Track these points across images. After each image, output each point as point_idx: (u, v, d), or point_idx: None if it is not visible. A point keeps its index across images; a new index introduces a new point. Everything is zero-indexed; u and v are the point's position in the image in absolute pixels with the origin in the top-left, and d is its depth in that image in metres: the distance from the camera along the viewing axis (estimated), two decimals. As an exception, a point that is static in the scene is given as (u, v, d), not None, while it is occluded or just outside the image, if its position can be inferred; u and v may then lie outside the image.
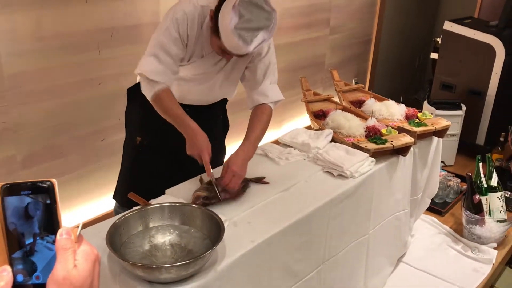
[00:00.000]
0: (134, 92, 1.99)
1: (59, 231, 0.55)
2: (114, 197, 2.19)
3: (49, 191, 0.56)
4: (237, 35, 1.56)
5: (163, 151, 2.03)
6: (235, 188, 1.63)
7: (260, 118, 1.85)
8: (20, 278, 0.55)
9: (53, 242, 0.56)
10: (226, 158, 2.29)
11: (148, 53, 1.74)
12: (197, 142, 1.64)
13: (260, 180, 1.78)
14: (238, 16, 1.55)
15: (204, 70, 1.87)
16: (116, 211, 2.22)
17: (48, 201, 0.56)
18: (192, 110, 1.95)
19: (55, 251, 0.55)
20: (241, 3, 1.55)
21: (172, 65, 1.74)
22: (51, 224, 0.56)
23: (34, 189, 0.56)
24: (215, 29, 1.63)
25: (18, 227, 0.55)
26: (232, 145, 2.55)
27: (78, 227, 0.59)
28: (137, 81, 1.98)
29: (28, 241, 0.55)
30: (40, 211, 0.56)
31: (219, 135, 2.23)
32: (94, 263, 0.57)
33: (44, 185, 0.56)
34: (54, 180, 0.56)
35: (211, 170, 1.61)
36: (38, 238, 0.56)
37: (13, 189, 0.55)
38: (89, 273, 0.55)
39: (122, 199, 2.10)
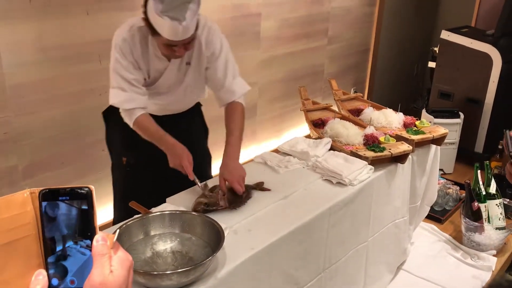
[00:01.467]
0: (110, 114, 2.01)
1: (96, 237, 0.56)
2: (114, 223, 2.19)
3: (87, 197, 0.56)
4: (168, 18, 1.60)
5: (152, 166, 2.02)
6: (242, 190, 1.68)
7: (235, 118, 1.90)
8: (55, 282, 0.55)
9: (87, 247, 0.56)
10: (211, 161, 2.32)
11: (112, 85, 1.81)
12: (176, 152, 1.72)
13: (260, 186, 1.80)
14: (160, 2, 1.60)
15: (170, 82, 1.91)
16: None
17: (85, 207, 0.56)
18: (170, 119, 2.04)
19: (92, 257, 0.55)
20: None
21: (137, 89, 1.80)
22: (86, 229, 0.56)
23: (72, 195, 0.56)
24: (151, 28, 1.67)
25: (54, 232, 0.55)
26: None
27: (114, 233, 0.60)
28: (109, 104, 2.01)
29: (61, 246, 0.56)
30: (75, 216, 0.56)
31: (200, 139, 2.25)
32: (129, 269, 0.58)
33: (82, 191, 0.56)
34: (92, 187, 0.57)
35: (195, 176, 1.69)
36: (72, 242, 0.56)
37: (51, 194, 0.55)
38: (124, 279, 0.56)
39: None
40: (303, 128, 3.87)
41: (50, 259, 0.55)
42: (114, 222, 2.22)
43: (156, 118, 1.97)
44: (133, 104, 1.79)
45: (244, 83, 1.98)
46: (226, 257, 1.39)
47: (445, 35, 3.72)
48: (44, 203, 0.55)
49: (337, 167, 1.88)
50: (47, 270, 0.55)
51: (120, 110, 1.84)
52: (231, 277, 1.36)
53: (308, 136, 2.27)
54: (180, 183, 1.86)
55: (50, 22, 2.23)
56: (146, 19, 1.68)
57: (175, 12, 1.60)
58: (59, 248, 0.56)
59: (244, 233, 1.54)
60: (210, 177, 2.23)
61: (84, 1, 2.32)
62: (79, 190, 0.56)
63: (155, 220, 1.45)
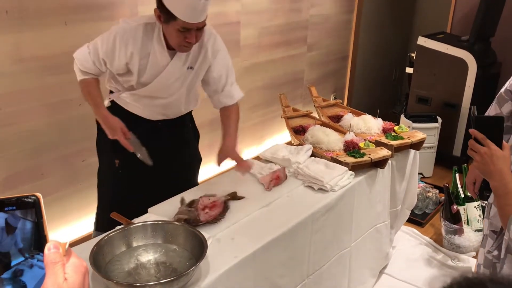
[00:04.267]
0: None
1: (47, 246, 0.54)
2: (96, 228, 2.19)
3: (35, 206, 0.54)
4: None
5: (143, 169, 2.02)
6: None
7: (233, 117, 2.03)
8: None
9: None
10: (201, 166, 2.34)
11: (89, 44, 1.91)
12: (111, 124, 1.82)
13: (234, 196, 1.79)
14: None
15: (169, 82, 1.93)
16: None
17: (35, 219, 0.54)
18: (164, 124, 2.08)
19: (45, 266, 0.54)
20: None
21: (98, 64, 1.89)
22: (40, 241, 0.55)
23: (19, 205, 0.54)
24: (166, 15, 1.71)
25: (4, 247, 0.53)
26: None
27: (66, 241, 0.58)
28: (106, 106, 2.03)
29: (16, 261, 0.54)
30: (27, 229, 0.54)
31: (192, 143, 2.28)
32: (84, 275, 0.57)
33: (29, 200, 0.54)
34: (39, 195, 0.55)
35: (136, 149, 1.81)
36: (27, 256, 0.54)
37: None
38: (80, 285, 0.55)
39: (107, 227, 2.10)
40: (284, 135, 3.90)
41: (4, 276, 0.53)
42: (97, 228, 2.19)
43: (151, 123, 2.04)
44: (88, 68, 1.90)
45: (239, 90, 2.09)
46: (210, 266, 1.39)
47: (422, 41, 3.79)
48: None
49: (319, 174, 1.90)
50: (3, 287, 0.53)
51: (75, 64, 1.94)
52: (215, 286, 1.36)
53: (289, 143, 2.28)
54: (170, 187, 1.90)
55: (27, 33, 2.21)
56: (160, 7, 1.72)
57: None
58: (15, 262, 0.54)
59: (227, 241, 1.54)
60: (196, 183, 2.26)
61: (62, 11, 2.30)
62: (25, 199, 0.54)
63: (138, 231, 1.44)
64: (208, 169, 2.92)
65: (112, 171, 2.09)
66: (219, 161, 1.90)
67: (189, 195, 1.75)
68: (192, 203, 1.65)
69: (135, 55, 1.84)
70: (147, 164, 1.81)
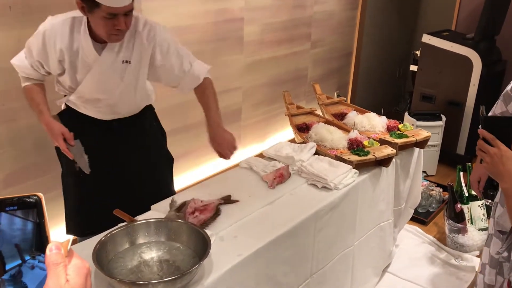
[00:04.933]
0: (61, 118, 1.94)
1: (49, 246, 0.53)
2: (68, 233, 2.11)
3: (37, 206, 0.53)
4: None
5: (106, 170, 1.97)
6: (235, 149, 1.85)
7: (207, 93, 1.96)
8: None
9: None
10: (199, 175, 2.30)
11: (24, 47, 1.85)
12: (53, 131, 1.78)
13: (228, 200, 1.73)
14: None
15: (103, 78, 1.84)
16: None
17: (37, 220, 0.53)
18: (121, 124, 1.99)
19: (46, 267, 0.53)
20: None
21: (36, 67, 1.84)
22: (41, 242, 0.54)
23: (20, 204, 0.53)
24: (89, 2, 1.63)
25: (5, 248, 0.52)
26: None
27: (68, 241, 0.57)
28: (62, 109, 1.99)
29: (17, 262, 0.53)
30: (28, 229, 0.53)
31: (158, 142, 2.18)
32: (86, 276, 0.56)
33: (31, 200, 0.53)
34: (41, 194, 0.54)
35: (75, 157, 1.78)
36: (29, 257, 0.53)
37: None
38: (82, 287, 0.54)
39: (80, 230, 2.09)
40: (288, 132, 3.89)
41: (5, 277, 0.52)
42: (68, 231, 2.11)
43: (106, 123, 1.96)
44: (29, 74, 1.85)
45: (202, 64, 1.98)
46: (213, 264, 1.38)
47: (426, 38, 3.77)
48: None
49: (322, 172, 1.89)
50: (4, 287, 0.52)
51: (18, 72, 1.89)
52: (218, 284, 1.35)
53: (293, 141, 2.27)
54: (135, 191, 1.90)
55: (30, 29, 2.19)
56: None
57: None
58: (16, 263, 0.52)
59: (230, 239, 1.53)
60: (170, 183, 2.20)
61: (65, 7, 2.28)
62: (27, 199, 0.53)
63: (141, 228, 1.44)
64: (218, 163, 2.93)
65: (73, 175, 1.98)
66: (220, 154, 1.90)
67: (184, 195, 1.72)
68: (182, 206, 1.61)
69: (64, 51, 1.76)
70: (86, 172, 1.78)
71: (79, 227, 2.06)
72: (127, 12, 1.67)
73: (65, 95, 1.94)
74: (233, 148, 1.89)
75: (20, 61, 1.85)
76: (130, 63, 1.84)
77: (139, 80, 1.91)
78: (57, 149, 2.05)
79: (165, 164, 2.19)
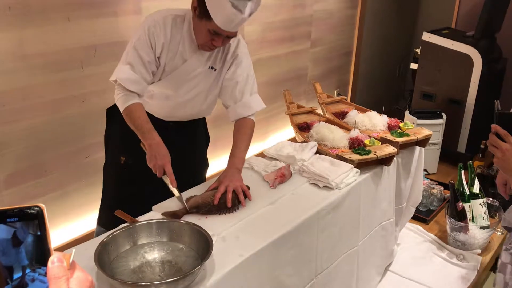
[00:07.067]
0: (114, 112, 2.00)
1: (50, 259, 0.52)
2: (99, 223, 2.17)
3: (38, 217, 0.52)
4: (231, 5, 1.62)
5: (148, 169, 2.01)
6: (229, 199, 1.65)
7: (244, 131, 1.92)
8: None
9: (46, 274, 0.52)
10: (208, 171, 2.32)
11: (123, 61, 1.80)
12: (160, 153, 1.69)
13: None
14: None
15: (194, 73, 1.87)
16: (97, 235, 2.18)
17: (38, 232, 0.52)
18: (176, 124, 2.03)
19: (48, 282, 0.51)
20: None
21: (145, 74, 1.79)
22: (42, 254, 0.52)
23: (22, 216, 0.51)
24: (203, 11, 1.67)
25: (5, 260, 0.51)
26: (215, 159, 2.55)
27: (70, 253, 0.55)
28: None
29: (17, 275, 0.51)
30: (29, 241, 0.52)
31: (201, 148, 2.25)
32: None
33: (32, 211, 0.51)
34: (42, 205, 0.52)
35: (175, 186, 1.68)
36: (29, 270, 0.52)
37: None
38: None
39: (109, 223, 2.09)
40: (288, 131, 3.88)
41: None
42: (100, 223, 2.17)
43: (163, 122, 1.98)
44: (135, 87, 1.77)
45: (261, 101, 1.99)
46: (215, 265, 1.38)
47: (426, 36, 3.76)
48: None
49: (324, 171, 1.88)
50: None
51: (116, 89, 1.81)
52: (220, 285, 1.35)
53: (293, 140, 2.27)
54: (171, 192, 1.85)
55: (30, 30, 2.19)
56: (201, 2, 1.68)
57: (239, 2, 1.62)
58: (16, 276, 0.51)
59: (232, 239, 1.52)
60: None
61: (65, 7, 2.29)
62: (28, 210, 0.51)
63: (143, 229, 1.43)
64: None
65: (117, 167, 2.07)
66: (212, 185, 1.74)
67: (184, 196, 1.71)
68: (189, 198, 1.66)
69: (165, 46, 1.80)
70: (184, 205, 1.65)
71: (114, 220, 2.05)
72: (230, 36, 1.73)
73: None
74: (238, 191, 1.68)
75: (125, 73, 1.76)
76: (215, 70, 1.89)
77: (216, 87, 1.95)
78: (106, 138, 2.15)
79: (203, 169, 2.25)
